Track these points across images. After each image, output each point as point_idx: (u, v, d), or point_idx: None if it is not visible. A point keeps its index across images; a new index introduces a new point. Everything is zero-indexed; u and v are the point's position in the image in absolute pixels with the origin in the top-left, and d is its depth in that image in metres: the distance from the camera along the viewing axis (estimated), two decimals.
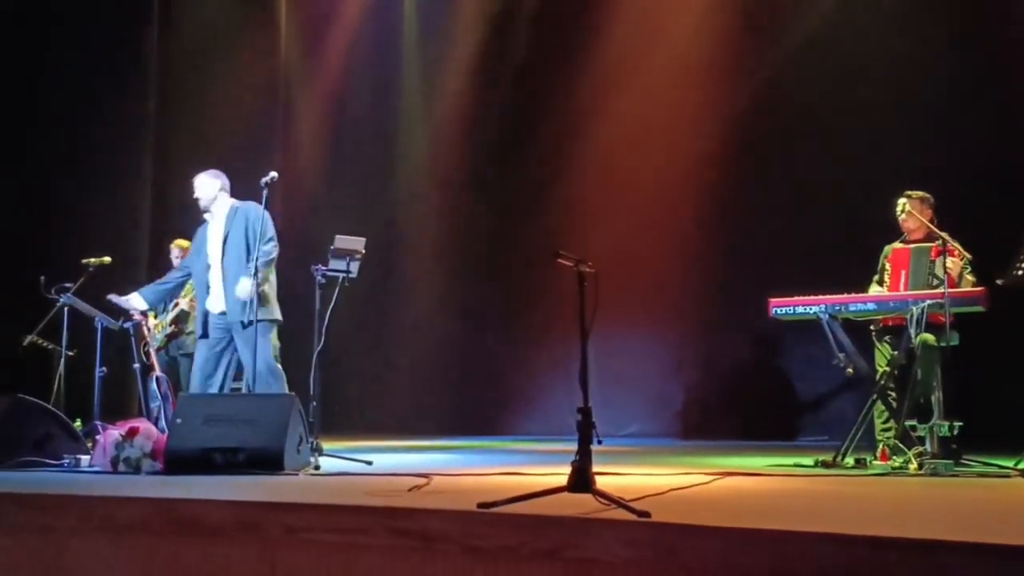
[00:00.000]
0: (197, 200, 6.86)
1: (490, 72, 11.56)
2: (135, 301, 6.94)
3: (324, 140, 12.21)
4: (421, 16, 12.04)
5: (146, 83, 10.57)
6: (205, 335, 6.77)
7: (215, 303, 6.72)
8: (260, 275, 6.36)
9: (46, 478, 5.01)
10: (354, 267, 6.47)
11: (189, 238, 8.92)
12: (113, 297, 7.00)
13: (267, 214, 6.59)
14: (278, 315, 6.64)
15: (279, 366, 6.60)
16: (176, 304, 8.36)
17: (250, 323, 6.29)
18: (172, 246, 8.81)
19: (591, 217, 10.63)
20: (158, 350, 8.18)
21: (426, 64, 12.05)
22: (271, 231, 6.58)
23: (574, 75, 11.04)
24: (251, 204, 6.73)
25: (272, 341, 6.64)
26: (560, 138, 11.11)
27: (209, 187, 6.83)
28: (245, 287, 6.39)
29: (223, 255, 6.68)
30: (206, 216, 6.88)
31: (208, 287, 6.76)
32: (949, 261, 6.02)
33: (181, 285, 7.27)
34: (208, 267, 6.77)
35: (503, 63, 11.49)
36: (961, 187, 7.85)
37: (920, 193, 6.46)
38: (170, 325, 8.40)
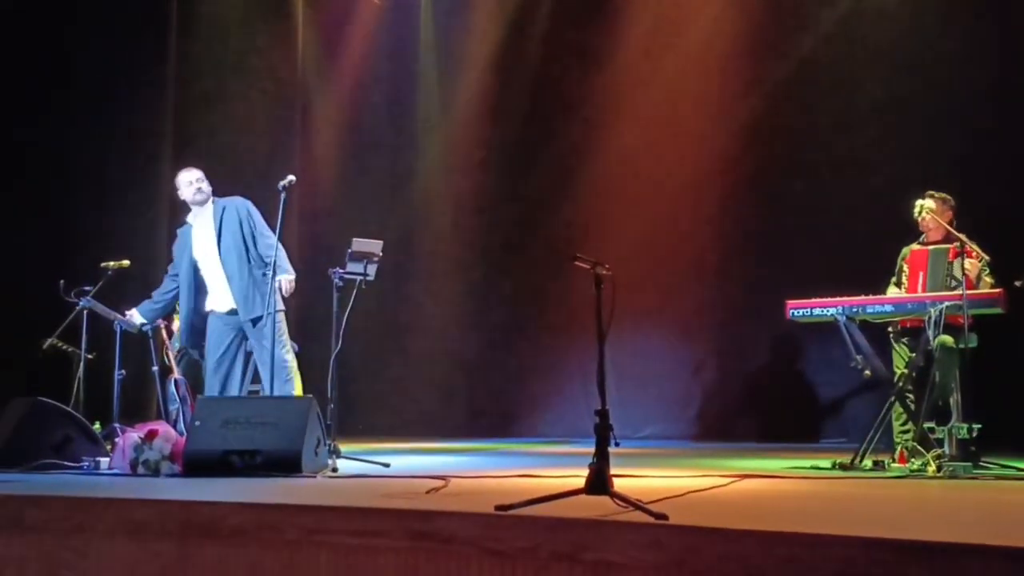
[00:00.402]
0: (198, 192, 6.77)
1: (507, 75, 11.57)
2: (135, 318, 6.97)
3: (341, 144, 12.24)
4: (438, 19, 12.05)
5: (163, 88, 10.62)
6: (196, 343, 6.75)
7: (219, 302, 6.69)
8: (282, 267, 6.42)
9: (65, 480, 5.04)
10: (371, 270, 6.47)
11: None
12: (118, 316, 7.06)
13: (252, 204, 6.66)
14: (283, 304, 6.62)
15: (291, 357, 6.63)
16: None
17: (260, 318, 6.31)
18: None
19: (608, 219, 10.62)
20: (179, 352, 8.21)
21: (443, 68, 12.06)
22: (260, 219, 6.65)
23: (591, 76, 11.04)
24: (236, 199, 6.74)
25: (285, 330, 6.63)
26: (577, 140, 11.11)
27: (207, 183, 6.81)
28: (290, 283, 6.51)
29: (220, 253, 6.65)
30: (189, 218, 6.85)
31: (205, 288, 6.73)
32: (967, 262, 5.99)
33: (178, 296, 7.13)
34: (198, 269, 6.73)
35: (520, 67, 11.49)
36: (981, 188, 7.81)
37: (941, 194, 6.44)
38: None
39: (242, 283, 6.58)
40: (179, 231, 6.98)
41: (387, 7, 12.09)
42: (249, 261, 6.60)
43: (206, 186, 6.80)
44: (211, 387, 6.68)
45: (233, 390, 6.62)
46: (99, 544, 3.73)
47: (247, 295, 6.55)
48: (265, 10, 11.59)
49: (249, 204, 6.75)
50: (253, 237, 6.61)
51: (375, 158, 12.15)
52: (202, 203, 6.80)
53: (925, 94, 9.08)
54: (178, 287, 6.93)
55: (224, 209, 6.71)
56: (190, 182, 6.80)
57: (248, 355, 6.72)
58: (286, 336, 6.62)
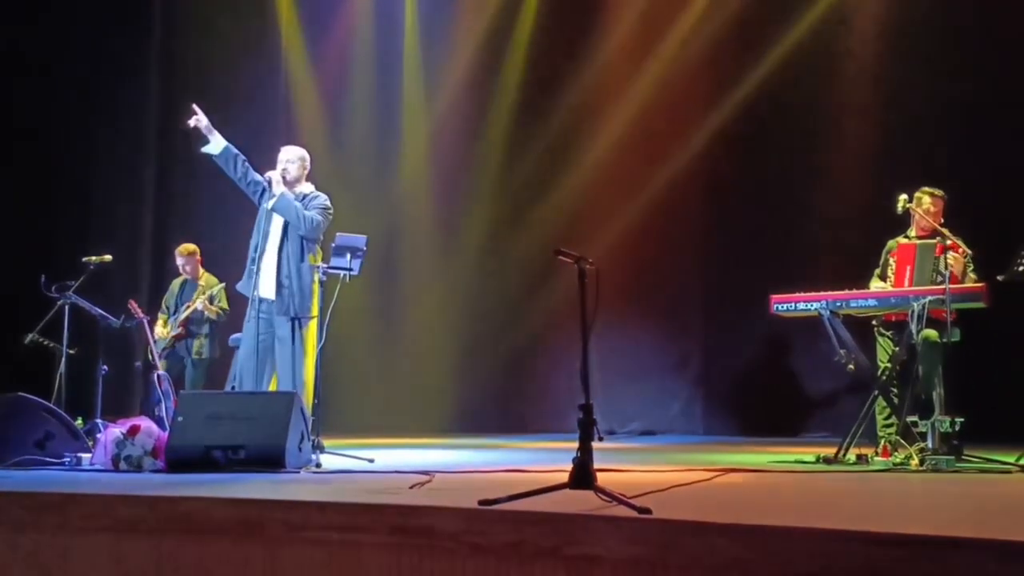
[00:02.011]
0: (302, 169, 6.57)
1: (492, 71, 11.54)
2: (217, 139, 6.61)
3: (324, 139, 12.17)
4: (423, 13, 12.01)
5: (148, 82, 10.58)
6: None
7: (261, 288, 6.23)
8: (309, 218, 6.28)
9: (47, 477, 5.00)
10: (356, 264, 6.41)
11: (190, 240, 8.91)
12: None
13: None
14: (315, 311, 6.30)
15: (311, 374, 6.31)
16: (188, 306, 8.36)
17: (292, 319, 6.12)
18: (178, 253, 8.78)
19: (596, 214, 10.63)
20: (163, 351, 8.17)
21: (428, 62, 12.02)
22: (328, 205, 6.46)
23: (576, 73, 11.02)
24: (321, 195, 6.48)
25: (308, 339, 6.30)
26: (563, 134, 11.10)
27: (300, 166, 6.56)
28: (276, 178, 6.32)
29: (281, 242, 6.28)
30: (275, 189, 6.38)
31: (259, 269, 6.24)
32: (951, 257, 6.01)
33: (246, 180, 6.54)
34: (264, 250, 6.30)
35: (505, 62, 11.48)
36: (966, 184, 7.81)
37: (935, 189, 6.44)
38: (179, 327, 8.39)
39: (284, 274, 6.22)
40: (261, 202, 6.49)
41: (372, 3, 12.03)
42: (301, 253, 6.28)
43: (307, 166, 6.64)
44: (245, 378, 6.24)
45: (264, 382, 6.24)
46: (81, 541, 3.71)
47: (280, 285, 6.19)
48: (249, 6, 11.54)
49: (326, 201, 6.47)
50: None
51: (359, 153, 12.08)
52: (293, 183, 6.49)
53: (910, 92, 9.11)
54: (256, 181, 6.54)
55: (305, 198, 6.44)
56: (302, 158, 6.63)
57: (272, 355, 6.30)
58: (310, 347, 6.27)
